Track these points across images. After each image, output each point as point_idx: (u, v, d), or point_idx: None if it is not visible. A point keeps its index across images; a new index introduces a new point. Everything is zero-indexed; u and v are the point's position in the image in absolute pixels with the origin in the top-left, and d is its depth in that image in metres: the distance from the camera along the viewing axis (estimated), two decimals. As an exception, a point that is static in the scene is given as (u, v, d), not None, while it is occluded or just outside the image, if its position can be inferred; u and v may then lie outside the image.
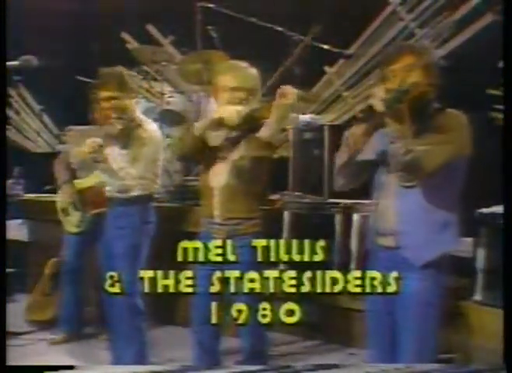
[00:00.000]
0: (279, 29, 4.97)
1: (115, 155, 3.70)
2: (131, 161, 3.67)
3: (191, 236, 4.25)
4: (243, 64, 3.33)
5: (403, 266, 2.60)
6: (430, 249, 2.61)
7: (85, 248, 4.62)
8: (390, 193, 2.66)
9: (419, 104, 2.54)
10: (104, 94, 3.66)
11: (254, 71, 3.33)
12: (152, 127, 3.79)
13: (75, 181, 4.52)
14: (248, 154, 3.19)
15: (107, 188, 3.80)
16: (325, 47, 4.98)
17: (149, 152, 3.70)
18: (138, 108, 3.88)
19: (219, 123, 3.22)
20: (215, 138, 3.28)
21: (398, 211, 2.62)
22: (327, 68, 6.45)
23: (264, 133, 3.17)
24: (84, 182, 4.46)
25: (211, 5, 5.30)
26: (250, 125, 3.20)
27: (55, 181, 4.70)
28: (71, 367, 3.13)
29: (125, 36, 7.25)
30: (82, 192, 4.43)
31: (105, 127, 3.71)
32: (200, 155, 3.34)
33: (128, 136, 3.68)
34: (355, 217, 4.36)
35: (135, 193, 3.69)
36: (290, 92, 3.13)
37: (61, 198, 4.57)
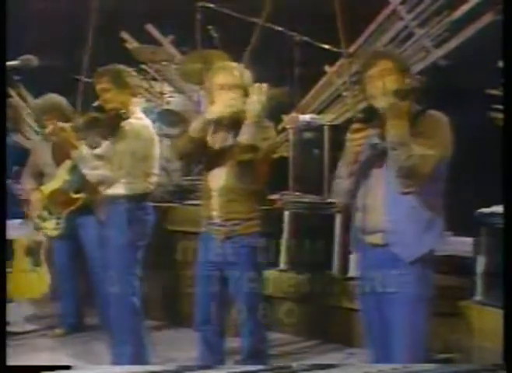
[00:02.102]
0: (279, 29, 4.97)
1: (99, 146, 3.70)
2: (114, 154, 3.63)
3: (191, 236, 4.26)
4: (235, 64, 3.38)
5: (392, 263, 2.68)
6: (419, 245, 2.69)
7: (73, 247, 4.64)
8: (376, 193, 2.71)
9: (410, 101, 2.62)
10: (99, 86, 3.69)
11: (246, 70, 3.34)
12: (140, 123, 3.73)
13: (42, 187, 4.56)
14: (237, 158, 3.20)
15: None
16: (325, 46, 4.97)
17: (136, 148, 3.63)
18: (135, 106, 3.84)
19: (213, 121, 3.23)
20: (215, 141, 3.28)
21: (386, 210, 2.68)
22: (327, 68, 6.44)
23: (242, 136, 3.18)
24: (50, 185, 4.50)
25: (211, 5, 5.30)
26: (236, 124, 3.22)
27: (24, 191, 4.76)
28: (67, 367, 3.13)
29: (125, 35, 7.24)
30: (50, 196, 4.47)
31: (89, 116, 3.71)
32: (199, 156, 3.35)
33: (113, 129, 3.64)
34: (355, 217, 4.36)
35: (121, 191, 3.64)
36: (262, 88, 3.17)
37: (33, 206, 4.60)
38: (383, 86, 2.65)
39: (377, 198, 2.71)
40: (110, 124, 3.65)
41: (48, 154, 4.57)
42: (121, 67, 3.82)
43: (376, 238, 2.73)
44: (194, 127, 3.25)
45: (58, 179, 4.41)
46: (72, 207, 4.39)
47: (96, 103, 3.80)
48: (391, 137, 2.55)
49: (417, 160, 2.53)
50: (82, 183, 4.17)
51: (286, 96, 4.83)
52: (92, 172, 3.66)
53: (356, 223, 2.81)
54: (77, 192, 4.35)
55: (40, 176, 4.67)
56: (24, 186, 4.76)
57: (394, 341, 2.71)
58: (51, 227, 4.55)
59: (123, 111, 3.64)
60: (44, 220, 4.56)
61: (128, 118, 3.66)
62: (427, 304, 2.72)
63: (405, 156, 2.52)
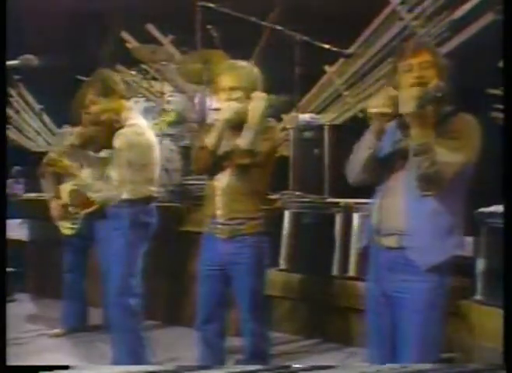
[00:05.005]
0: (279, 28, 4.97)
1: (95, 160, 3.68)
2: (113, 166, 3.60)
3: (193, 236, 4.27)
4: (242, 63, 3.34)
5: (406, 268, 2.57)
6: (437, 252, 2.57)
7: (83, 247, 4.65)
8: (396, 193, 2.61)
9: (435, 107, 2.50)
10: (87, 99, 3.64)
11: (253, 69, 3.33)
12: (133, 131, 3.63)
13: (65, 184, 4.54)
14: (235, 161, 3.21)
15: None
16: (325, 46, 4.97)
17: (131, 158, 3.56)
18: (129, 111, 3.77)
19: (225, 127, 3.22)
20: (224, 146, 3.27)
21: (405, 212, 2.58)
22: (327, 68, 6.45)
23: (241, 141, 3.19)
24: (71, 184, 4.47)
25: (211, 5, 5.30)
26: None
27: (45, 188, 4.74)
28: (66, 367, 3.13)
29: (125, 35, 7.25)
30: (71, 194, 4.44)
31: (86, 130, 3.68)
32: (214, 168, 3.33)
33: (109, 141, 3.60)
34: (356, 216, 4.36)
35: (124, 195, 3.62)
36: (260, 96, 3.20)
37: (54, 204, 4.58)
38: (420, 79, 2.53)
39: (396, 199, 2.61)
40: (105, 137, 3.61)
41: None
42: (105, 73, 3.74)
43: (391, 241, 2.62)
44: (212, 141, 3.21)
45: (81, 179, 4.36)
46: (89, 209, 4.35)
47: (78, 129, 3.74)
48: (415, 144, 2.45)
49: (440, 167, 2.43)
50: None
51: (286, 105, 4.85)
52: (97, 194, 3.65)
53: (372, 223, 2.70)
54: None
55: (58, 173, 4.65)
56: (44, 183, 4.72)
57: (401, 347, 2.63)
58: (66, 225, 4.54)
59: (115, 119, 3.61)
60: (61, 218, 4.55)
61: (122, 127, 3.61)
62: (440, 313, 2.61)
63: (428, 163, 2.42)
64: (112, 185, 3.59)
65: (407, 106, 2.43)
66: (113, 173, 3.59)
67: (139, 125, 3.72)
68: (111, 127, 3.62)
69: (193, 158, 3.37)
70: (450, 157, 2.45)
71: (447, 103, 2.59)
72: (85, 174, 3.65)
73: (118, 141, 3.58)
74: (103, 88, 3.62)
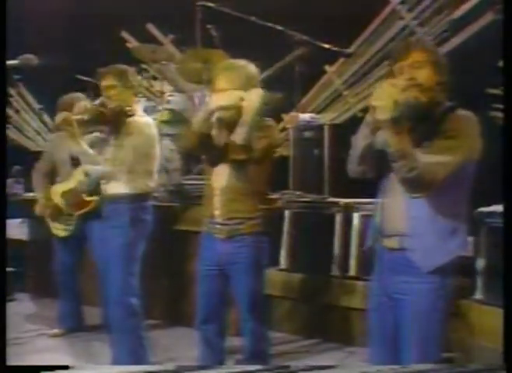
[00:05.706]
0: (279, 28, 4.97)
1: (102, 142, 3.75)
2: (116, 149, 3.66)
3: (192, 235, 4.27)
4: (241, 62, 3.33)
5: (408, 269, 2.54)
6: (440, 254, 2.53)
7: (77, 247, 4.65)
8: (397, 194, 2.56)
9: (427, 106, 2.47)
10: (104, 83, 3.75)
11: (251, 68, 3.31)
12: (143, 121, 3.79)
13: (56, 185, 4.53)
14: (230, 157, 3.20)
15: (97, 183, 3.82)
16: (325, 45, 4.97)
17: (138, 144, 3.67)
18: (138, 104, 3.90)
19: (214, 112, 3.21)
20: (219, 138, 3.26)
21: (406, 214, 2.54)
22: (327, 67, 6.45)
23: (235, 136, 3.18)
24: (65, 185, 4.46)
25: (211, 5, 5.30)
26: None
27: (35, 189, 4.75)
28: (66, 367, 3.13)
29: (125, 35, 7.25)
30: (64, 195, 4.44)
31: (95, 108, 3.73)
32: (203, 151, 3.34)
33: (116, 125, 3.68)
34: (356, 216, 4.36)
35: (123, 190, 3.66)
36: (256, 92, 3.18)
37: (44, 205, 4.58)
38: (412, 81, 2.46)
39: (397, 200, 2.56)
40: (114, 120, 3.68)
41: (66, 151, 4.50)
42: (126, 66, 3.89)
43: (392, 242, 2.59)
44: (197, 119, 3.24)
45: (74, 179, 4.35)
46: (84, 210, 4.35)
47: (97, 101, 3.81)
48: (391, 150, 2.39)
49: (422, 170, 2.36)
50: (96, 186, 4.12)
51: (282, 102, 4.83)
52: (93, 166, 3.68)
53: (376, 223, 2.67)
54: (91, 195, 4.31)
55: (51, 175, 4.64)
56: (36, 183, 4.72)
57: (402, 347, 2.61)
58: (60, 227, 4.53)
59: (128, 108, 3.68)
60: (54, 219, 4.54)
61: (132, 115, 3.72)
62: (441, 314, 2.58)
63: (407, 169, 2.36)
64: (110, 162, 3.66)
65: (382, 114, 2.36)
66: (116, 152, 3.65)
67: (147, 118, 3.88)
68: (118, 114, 3.68)
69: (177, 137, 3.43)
70: (442, 157, 2.40)
71: (443, 101, 2.55)
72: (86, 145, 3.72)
73: (131, 125, 3.68)
74: (123, 79, 3.77)
